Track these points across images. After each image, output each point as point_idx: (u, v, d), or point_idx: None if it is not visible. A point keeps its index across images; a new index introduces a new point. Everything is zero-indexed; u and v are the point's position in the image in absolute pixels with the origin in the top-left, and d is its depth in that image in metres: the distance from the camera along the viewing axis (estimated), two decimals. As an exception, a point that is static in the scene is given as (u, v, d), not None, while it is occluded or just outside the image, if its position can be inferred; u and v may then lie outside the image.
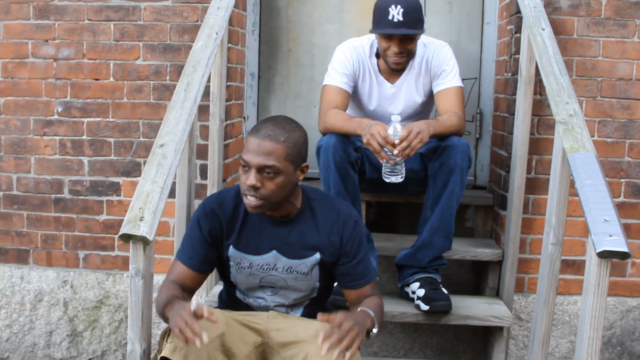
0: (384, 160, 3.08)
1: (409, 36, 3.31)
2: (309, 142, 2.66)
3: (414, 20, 3.27)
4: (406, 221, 4.10)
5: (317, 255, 2.67)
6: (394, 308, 3.36)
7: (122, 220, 2.51)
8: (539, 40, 3.26)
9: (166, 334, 2.44)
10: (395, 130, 3.07)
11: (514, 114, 3.61)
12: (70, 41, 3.89)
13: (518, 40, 3.62)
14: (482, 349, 3.82)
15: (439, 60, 3.46)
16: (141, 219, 2.48)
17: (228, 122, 3.82)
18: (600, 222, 2.43)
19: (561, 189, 2.90)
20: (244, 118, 4.26)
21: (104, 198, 3.95)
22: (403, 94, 3.52)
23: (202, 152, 3.66)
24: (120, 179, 3.93)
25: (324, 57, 4.26)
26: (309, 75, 4.44)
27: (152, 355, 2.58)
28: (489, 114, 4.24)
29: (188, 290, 2.67)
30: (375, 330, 2.59)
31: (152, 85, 3.86)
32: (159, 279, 3.77)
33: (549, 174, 3.11)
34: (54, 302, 4.00)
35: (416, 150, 3.06)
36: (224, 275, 2.78)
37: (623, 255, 2.35)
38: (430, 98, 3.55)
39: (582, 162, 2.68)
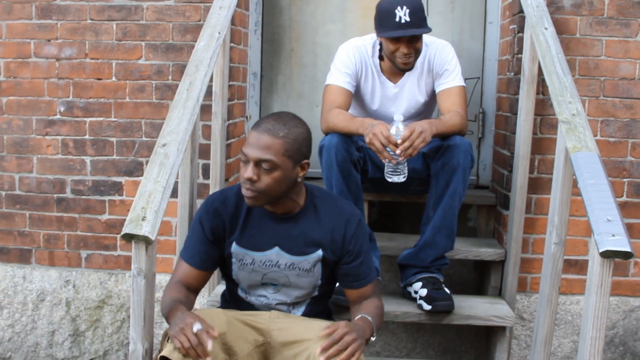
0: (387, 160, 3.08)
1: (417, 35, 3.31)
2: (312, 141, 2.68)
3: (421, 20, 3.27)
4: (408, 221, 4.10)
5: (320, 252, 2.68)
6: (397, 308, 3.35)
7: (125, 219, 2.51)
8: (542, 40, 3.25)
9: (168, 333, 2.44)
10: (398, 129, 3.06)
11: (516, 114, 3.60)
12: (73, 41, 3.89)
13: (521, 40, 3.61)
14: (484, 348, 3.81)
15: (441, 60, 3.46)
16: (143, 219, 2.48)
17: (230, 121, 3.82)
18: (603, 222, 2.42)
19: (564, 189, 2.89)
20: (247, 117, 4.26)
21: (106, 198, 3.95)
22: (405, 93, 3.52)
23: (204, 151, 3.66)
24: (122, 179, 3.93)
25: (327, 56, 4.25)
26: (311, 74, 4.44)
27: (154, 355, 2.58)
28: (491, 114, 4.24)
29: (193, 290, 2.69)
30: (373, 339, 2.62)
31: (154, 85, 3.86)
32: (161, 278, 3.78)
33: (551, 174, 3.10)
34: (56, 301, 4.00)
35: (419, 149, 3.06)
36: (226, 273, 2.78)
37: (626, 255, 2.35)
38: (432, 98, 3.55)
39: (585, 162, 2.68)
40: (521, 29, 3.61)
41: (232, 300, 2.85)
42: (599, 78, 3.66)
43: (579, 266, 3.72)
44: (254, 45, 4.33)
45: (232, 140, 3.91)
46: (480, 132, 4.28)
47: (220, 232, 2.68)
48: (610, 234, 2.38)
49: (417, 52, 3.39)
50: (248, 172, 2.50)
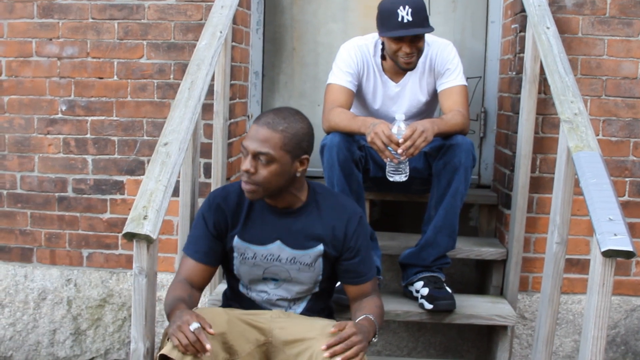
0: (388, 159, 3.08)
1: (419, 35, 3.31)
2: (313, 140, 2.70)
3: (423, 19, 3.27)
4: (410, 220, 4.10)
5: (321, 247, 2.69)
6: (398, 307, 3.35)
7: (126, 218, 2.51)
8: (544, 39, 3.25)
9: (167, 332, 2.44)
10: (399, 129, 3.06)
11: (518, 113, 3.60)
12: (74, 40, 3.89)
13: (523, 39, 3.61)
14: (486, 348, 3.81)
15: (442, 59, 3.46)
16: (145, 218, 2.48)
17: (232, 120, 3.82)
18: (605, 221, 2.42)
19: (566, 188, 2.89)
20: (248, 117, 4.26)
21: (108, 197, 3.95)
22: (407, 93, 3.52)
23: (205, 150, 3.66)
24: (124, 178, 3.93)
25: (329, 55, 4.25)
26: (313, 74, 4.44)
27: (155, 353, 2.58)
28: (493, 113, 4.24)
29: (197, 287, 2.70)
30: (375, 339, 2.63)
31: (155, 84, 3.86)
32: (162, 277, 3.78)
33: (553, 173, 3.10)
34: (58, 300, 4.00)
35: (420, 149, 3.06)
36: (228, 269, 2.79)
37: (628, 255, 2.34)
38: (434, 97, 3.55)
39: (587, 161, 2.68)
40: (523, 28, 3.61)
41: (233, 297, 2.85)
42: (601, 77, 3.66)
43: (581, 265, 3.72)
44: (255, 44, 4.33)
45: (234, 139, 3.91)
46: (482, 132, 4.28)
47: (222, 227, 2.70)
48: (612, 233, 2.37)
49: (420, 52, 3.38)
50: (245, 164, 2.54)
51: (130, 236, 2.45)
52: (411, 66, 3.41)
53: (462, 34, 4.33)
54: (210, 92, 3.40)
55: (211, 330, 2.33)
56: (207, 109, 3.61)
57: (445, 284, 3.37)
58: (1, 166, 3.99)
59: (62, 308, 4.00)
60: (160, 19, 3.83)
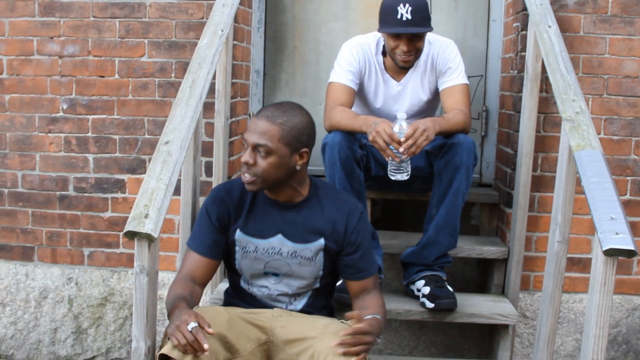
0: (390, 158, 3.08)
1: (418, 34, 3.30)
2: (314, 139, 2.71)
3: (423, 19, 3.26)
4: (411, 219, 4.10)
5: (322, 241, 2.71)
6: (399, 306, 3.35)
7: (127, 217, 2.51)
8: (545, 38, 3.25)
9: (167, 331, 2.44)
10: (401, 127, 3.06)
11: (519, 112, 3.60)
12: (76, 38, 3.89)
13: (524, 38, 3.61)
14: (487, 346, 3.81)
15: (444, 58, 3.46)
16: (146, 216, 2.48)
17: (233, 119, 3.82)
18: (607, 220, 2.42)
19: (567, 187, 2.89)
20: (249, 115, 4.26)
21: (109, 195, 3.95)
22: (409, 91, 3.52)
23: (207, 149, 3.66)
24: (125, 176, 3.93)
25: (330, 54, 4.25)
26: (314, 72, 4.44)
27: (156, 352, 2.58)
28: (494, 112, 4.23)
29: (199, 283, 2.70)
30: (379, 340, 2.64)
31: (157, 83, 3.85)
32: (163, 276, 3.78)
33: (554, 172, 3.10)
34: (59, 299, 4.00)
35: (422, 147, 3.05)
36: (230, 264, 2.80)
37: (629, 253, 2.34)
38: (435, 96, 3.55)
39: (589, 160, 2.68)
40: (525, 27, 3.61)
41: (234, 293, 2.86)
42: (602, 76, 3.65)
43: (582, 264, 3.72)
44: (257, 43, 4.33)
45: (235, 137, 3.91)
46: (484, 130, 4.28)
47: (225, 220, 2.73)
48: (613, 232, 2.37)
49: (418, 51, 3.38)
50: (245, 156, 2.58)
51: (132, 235, 2.45)
52: (408, 65, 3.40)
53: (464, 32, 4.33)
54: (212, 90, 3.39)
55: (210, 330, 2.33)
56: (208, 107, 3.61)
57: (446, 283, 3.37)
58: (2, 165, 3.99)
59: (63, 307, 4.00)
60: (162, 17, 3.82)
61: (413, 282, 3.42)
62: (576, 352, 3.77)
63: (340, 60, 3.46)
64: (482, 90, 4.30)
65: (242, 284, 2.81)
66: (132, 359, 2.55)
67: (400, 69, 3.45)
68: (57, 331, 4.01)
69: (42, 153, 3.96)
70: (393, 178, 3.16)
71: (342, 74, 3.43)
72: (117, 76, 3.88)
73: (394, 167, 3.13)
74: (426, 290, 3.30)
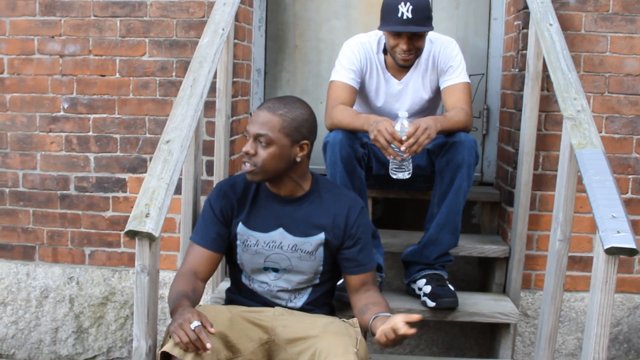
0: (391, 157, 3.08)
1: (418, 33, 3.30)
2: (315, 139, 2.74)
3: (423, 18, 3.26)
4: (413, 217, 4.10)
5: (322, 235, 2.73)
6: (400, 304, 3.35)
7: (128, 216, 2.51)
8: (547, 36, 3.24)
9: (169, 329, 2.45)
10: (403, 126, 3.06)
11: (521, 110, 3.60)
12: (76, 37, 3.89)
13: (525, 36, 3.60)
14: (488, 345, 3.81)
15: (445, 56, 3.45)
16: (147, 216, 2.47)
17: (234, 118, 3.82)
18: (608, 219, 2.41)
19: (568, 185, 2.89)
20: (250, 114, 4.26)
21: (110, 194, 3.94)
22: (410, 90, 3.51)
23: (208, 148, 3.66)
24: (126, 175, 3.92)
25: (331, 53, 4.25)
26: (315, 71, 4.44)
27: (157, 350, 2.58)
28: (496, 110, 4.23)
29: (201, 278, 2.71)
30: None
31: (158, 82, 3.85)
32: (164, 275, 3.78)
33: (556, 170, 3.09)
34: (60, 298, 4.00)
35: (423, 146, 3.05)
36: (231, 259, 2.82)
37: (631, 252, 2.34)
38: (437, 94, 3.54)
39: (590, 158, 2.67)
40: (526, 25, 3.60)
41: (236, 290, 2.87)
42: (604, 74, 3.65)
43: (584, 263, 3.71)
44: (257, 41, 4.32)
45: (236, 136, 3.90)
46: (485, 129, 4.27)
47: (229, 213, 2.76)
48: (615, 230, 2.37)
49: (418, 50, 3.38)
50: (247, 146, 2.63)
51: (133, 234, 2.45)
52: (408, 63, 3.40)
53: (465, 30, 4.32)
54: (213, 89, 3.39)
55: (212, 330, 2.33)
56: (209, 106, 3.61)
57: (447, 282, 3.37)
58: (3, 164, 3.99)
59: (64, 306, 4.00)
60: (163, 16, 3.82)
61: (414, 281, 3.42)
62: (577, 350, 3.77)
63: (342, 58, 3.46)
64: (483, 89, 4.29)
65: (244, 279, 2.82)
66: (133, 359, 2.55)
67: (401, 68, 3.45)
68: (58, 331, 4.01)
69: (43, 152, 3.96)
70: (394, 177, 3.15)
71: (343, 73, 3.43)
72: (118, 75, 3.88)
73: (395, 166, 3.13)
74: (427, 289, 3.30)
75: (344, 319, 2.68)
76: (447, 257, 3.43)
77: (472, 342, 3.92)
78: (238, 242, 2.76)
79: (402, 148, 3.02)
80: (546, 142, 3.66)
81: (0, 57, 3.96)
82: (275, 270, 2.76)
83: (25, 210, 4.01)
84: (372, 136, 3.08)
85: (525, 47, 3.59)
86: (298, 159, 2.68)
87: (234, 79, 3.75)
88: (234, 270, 2.86)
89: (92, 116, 3.91)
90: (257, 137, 2.62)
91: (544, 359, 3.04)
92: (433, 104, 3.61)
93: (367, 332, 2.65)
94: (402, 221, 4.16)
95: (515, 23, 3.83)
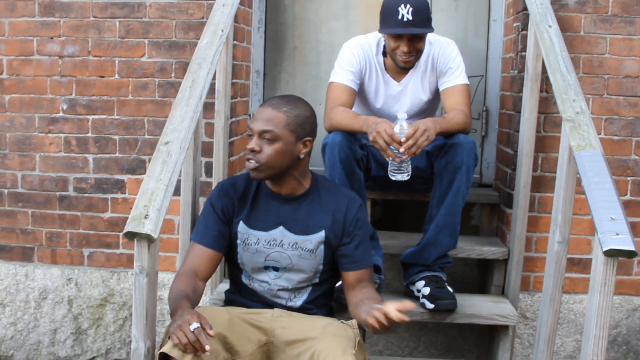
0: (390, 158, 3.07)
1: (419, 35, 3.30)
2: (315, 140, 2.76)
3: (424, 19, 3.26)
4: (411, 219, 4.09)
5: (322, 233, 2.75)
6: (399, 306, 3.34)
7: (127, 218, 2.51)
8: (546, 38, 3.24)
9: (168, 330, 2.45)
10: (402, 127, 3.05)
11: (520, 112, 3.60)
12: (76, 38, 3.89)
13: (524, 38, 3.60)
14: (487, 347, 3.81)
15: (444, 58, 3.45)
16: (146, 217, 2.47)
17: (233, 119, 3.82)
18: (607, 221, 2.41)
19: (567, 187, 2.89)
20: (249, 115, 4.26)
21: (109, 196, 3.94)
22: (409, 92, 3.51)
23: (207, 149, 3.66)
24: (125, 177, 3.92)
25: (330, 54, 4.25)
26: (314, 72, 4.44)
27: (156, 351, 2.58)
28: (495, 112, 4.23)
29: (202, 277, 2.71)
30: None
31: (157, 83, 3.85)
32: (163, 277, 3.78)
33: (555, 172, 3.10)
34: (59, 300, 3.99)
35: (422, 148, 3.05)
36: (232, 259, 2.83)
37: (630, 254, 2.34)
38: (436, 96, 3.54)
39: (589, 160, 2.67)
40: (525, 27, 3.60)
41: (236, 290, 2.88)
42: (603, 76, 3.65)
43: (583, 265, 3.71)
44: (257, 43, 4.32)
45: (235, 138, 3.90)
46: (484, 131, 4.27)
47: (230, 211, 2.78)
48: (614, 232, 2.37)
49: (419, 52, 3.38)
50: (251, 143, 2.66)
51: (131, 235, 2.45)
52: (409, 65, 3.40)
53: (464, 32, 4.32)
54: (212, 90, 3.39)
55: (211, 332, 2.33)
56: (208, 107, 3.61)
57: (446, 284, 3.36)
58: (2, 165, 3.99)
59: (63, 307, 4.00)
60: (162, 17, 3.82)
61: (413, 283, 3.41)
62: (576, 352, 3.77)
63: (341, 60, 3.46)
64: (483, 90, 4.29)
65: (244, 279, 2.83)
66: (131, 360, 2.55)
67: (400, 69, 3.45)
68: (57, 332, 4.01)
69: (42, 153, 3.96)
70: (393, 178, 3.15)
71: (342, 74, 3.42)
72: (117, 76, 3.88)
73: (394, 168, 3.13)
74: (426, 290, 3.30)
75: (343, 321, 2.68)
76: (446, 258, 3.43)
77: (470, 344, 3.92)
78: (238, 241, 2.77)
79: (401, 150, 3.02)
80: (545, 143, 3.66)
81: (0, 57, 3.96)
82: (276, 269, 2.76)
83: (24, 212, 4.00)
84: (371, 138, 3.08)
85: (524, 49, 3.59)
86: (301, 156, 2.71)
87: (233, 80, 3.75)
88: (234, 270, 2.86)
89: (91, 117, 3.91)
90: (262, 134, 2.64)
91: (543, 361, 3.05)
92: (432, 106, 3.61)
93: (362, 328, 2.64)
94: (401, 223, 4.16)
95: (515, 25, 3.83)
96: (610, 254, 2.35)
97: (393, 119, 3.19)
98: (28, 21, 3.91)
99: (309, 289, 2.81)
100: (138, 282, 2.49)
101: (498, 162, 4.13)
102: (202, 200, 3.07)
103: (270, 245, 2.75)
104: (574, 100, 2.95)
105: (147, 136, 3.88)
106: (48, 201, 3.98)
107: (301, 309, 2.78)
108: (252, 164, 2.66)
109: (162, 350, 2.36)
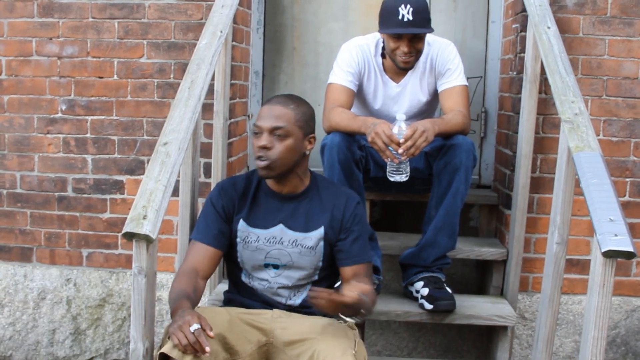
0: (389, 159, 3.08)
1: (419, 35, 3.30)
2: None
3: (424, 20, 3.26)
4: (410, 220, 4.09)
5: (322, 230, 2.76)
6: (398, 307, 3.35)
7: (126, 218, 2.51)
8: (545, 39, 3.24)
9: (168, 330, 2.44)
10: (400, 129, 3.06)
11: (519, 113, 3.60)
12: (74, 39, 3.89)
13: (523, 39, 3.60)
14: (486, 348, 3.81)
15: (443, 59, 3.45)
16: (144, 218, 2.47)
17: (232, 120, 3.81)
18: (606, 222, 2.41)
19: (566, 188, 2.89)
20: (248, 116, 4.26)
21: (108, 196, 3.94)
22: (408, 93, 3.51)
23: (205, 150, 3.66)
24: (123, 177, 3.92)
25: (329, 55, 4.24)
26: (313, 73, 4.43)
27: (155, 352, 2.58)
28: (493, 113, 4.23)
29: (202, 276, 2.71)
30: (357, 319, 2.64)
31: (156, 84, 3.85)
32: (162, 277, 3.78)
33: (553, 173, 3.09)
34: (57, 300, 3.99)
35: (421, 149, 3.05)
36: (232, 257, 2.83)
37: (629, 255, 2.34)
38: (435, 97, 3.54)
39: (588, 161, 2.67)
40: (524, 28, 3.60)
41: (235, 289, 2.88)
42: (601, 77, 3.65)
43: (581, 266, 3.71)
44: (256, 43, 4.32)
45: (234, 139, 3.90)
46: (483, 132, 4.27)
47: (230, 210, 2.79)
48: (612, 233, 2.37)
49: (419, 52, 3.38)
50: (262, 140, 2.66)
51: (130, 236, 2.45)
52: (409, 66, 3.40)
53: (463, 33, 4.32)
54: (211, 91, 3.39)
55: (211, 333, 2.33)
56: (207, 108, 3.60)
57: (445, 284, 3.37)
58: (1, 165, 3.99)
59: (61, 308, 4.00)
60: (161, 18, 3.82)
61: (412, 284, 3.42)
62: (575, 353, 3.77)
63: (340, 61, 3.46)
64: (481, 92, 4.29)
65: (243, 278, 2.83)
66: (130, 360, 2.55)
67: (399, 70, 3.45)
68: (56, 332, 4.01)
69: (40, 154, 3.95)
70: (392, 179, 3.15)
71: (341, 75, 3.43)
72: (115, 77, 3.88)
73: (393, 169, 3.13)
74: (425, 291, 3.30)
75: (342, 321, 2.68)
76: (444, 259, 3.43)
77: (469, 344, 3.92)
78: (238, 240, 2.77)
79: (400, 151, 3.02)
80: (544, 145, 3.66)
81: (-2, 58, 3.97)
82: (276, 266, 2.77)
83: (23, 212, 4.00)
84: (369, 139, 3.08)
85: (523, 50, 3.59)
86: (307, 152, 2.75)
87: (232, 81, 3.75)
88: (234, 269, 2.86)
89: (89, 118, 3.91)
90: (273, 131, 2.65)
91: (542, 362, 3.05)
92: (431, 107, 3.61)
93: (362, 327, 2.63)
94: (400, 224, 4.16)
95: (514, 26, 3.83)
96: (609, 255, 2.35)
97: (392, 120, 3.19)
98: (27, 22, 3.90)
99: (309, 286, 2.80)
100: (137, 283, 2.49)
101: (497, 163, 4.13)
102: (201, 201, 3.07)
103: (270, 242, 2.75)
104: (573, 102, 2.95)
105: (145, 137, 3.88)
106: (47, 202, 3.98)
107: (301, 308, 2.78)
108: (263, 162, 2.66)
109: (162, 350, 2.36)
